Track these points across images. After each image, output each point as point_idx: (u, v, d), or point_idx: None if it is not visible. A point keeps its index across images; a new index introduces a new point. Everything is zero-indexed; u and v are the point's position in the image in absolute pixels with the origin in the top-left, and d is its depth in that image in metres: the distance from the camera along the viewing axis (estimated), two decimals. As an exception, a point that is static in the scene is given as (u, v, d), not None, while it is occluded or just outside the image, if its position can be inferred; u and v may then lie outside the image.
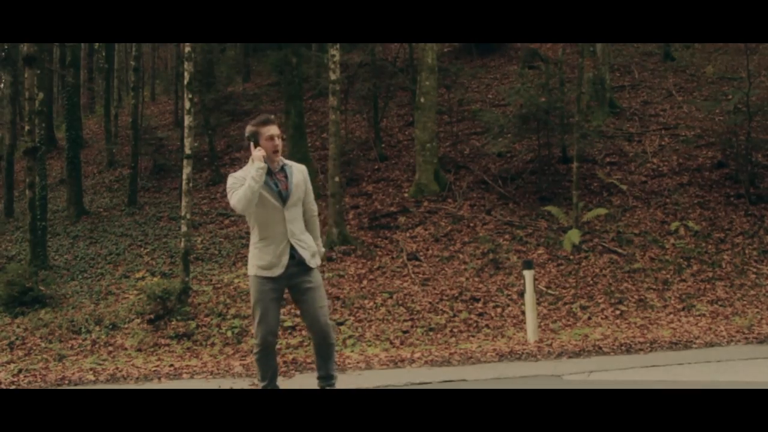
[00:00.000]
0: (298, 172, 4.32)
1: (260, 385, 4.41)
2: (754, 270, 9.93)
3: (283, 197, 4.20)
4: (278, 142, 4.20)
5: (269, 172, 4.20)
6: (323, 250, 4.45)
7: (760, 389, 3.47)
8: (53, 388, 6.60)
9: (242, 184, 4.12)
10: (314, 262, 4.28)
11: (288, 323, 8.77)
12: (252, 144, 4.19)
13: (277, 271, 4.18)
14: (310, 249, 4.28)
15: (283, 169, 4.27)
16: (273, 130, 4.18)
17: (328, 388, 4.32)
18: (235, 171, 4.40)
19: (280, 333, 8.67)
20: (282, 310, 9.15)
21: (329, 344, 4.29)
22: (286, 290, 4.35)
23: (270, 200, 4.16)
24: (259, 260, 4.23)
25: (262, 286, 4.22)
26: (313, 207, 4.42)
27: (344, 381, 5.70)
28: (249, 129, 4.22)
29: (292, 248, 4.19)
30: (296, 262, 4.21)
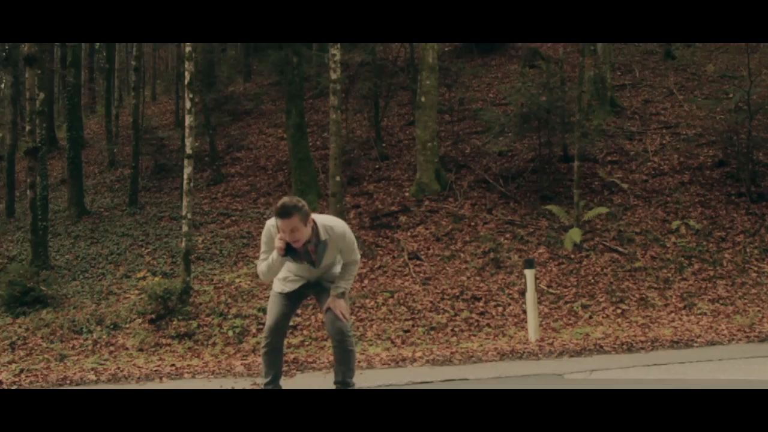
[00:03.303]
0: (334, 245, 4.17)
1: (262, 383, 4.44)
2: (755, 268, 9.93)
3: (312, 264, 4.24)
4: (292, 235, 3.95)
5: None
6: (345, 291, 4.31)
7: (761, 389, 3.48)
8: (55, 388, 6.61)
9: (268, 246, 4.12)
10: (334, 290, 4.28)
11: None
12: (277, 228, 4.05)
13: (286, 290, 4.37)
14: (333, 282, 4.34)
15: (316, 243, 4.14)
16: (285, 225, 3.92)
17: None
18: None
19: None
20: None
21: (347, 350, 4.27)
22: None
23: (299, 262, 4.23)
24: (282, 286, 4.38)
25: (277, 292, 4.42)
26: (351, 258, 4.28)
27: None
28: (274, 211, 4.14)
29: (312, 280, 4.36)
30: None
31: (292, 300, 4.39)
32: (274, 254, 4.05)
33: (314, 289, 4.39)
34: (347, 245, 4.20)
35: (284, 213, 3.90)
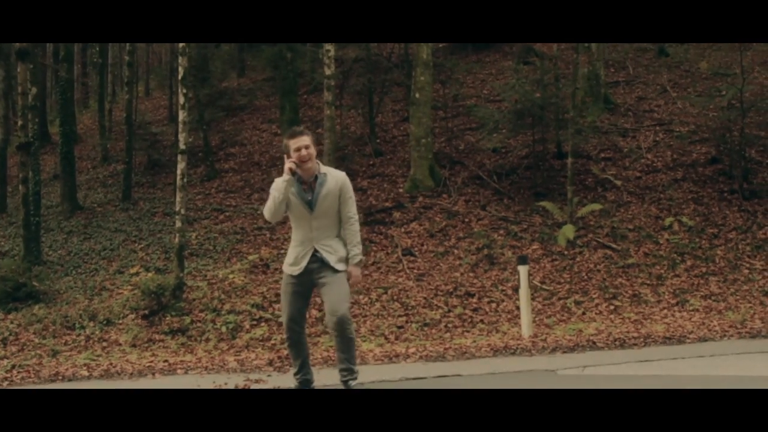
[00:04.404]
0: (333, 182, 4.46)
1: (293, 372, 4.73)
2: (747, 265, 9.97)
3: (310, 206, 4.42)
4: (305, 152, 4.36)
5: (301, 181, 4.43)
6: (362, 257, 4.61)
7: (752, 389, 3.49)
8: (47, 385, 6.58)
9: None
10: (340, 266, 4.48)
11: (282, 319, 8.76)
12: (286, 156, 4.44)
13: (297, 271, 4.49)
14: (337, 254, 4.50)
15: (316, 177, 4.45)
16: (300, 141, 4.37)
17: (350, 380, 4.53)
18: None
19: (275, 329, 8.67)
20: (277, 306, 9.14)
21: (347, 338, 4.46)
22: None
23: (299, 207, 4.43)
24: (288, 257, 4.58)
25: (288, 280, 4.57)
26: (351, 214, 4.53)
27: (338, 376, 5.70)
28: (284, 142, 4.50)
29: (317, 252, 4.46)
30: (318, 259, 4.46)
31: (303, 294, 4.58)
32: (284, 176, 4.30)
33: (320, 275, 4.47)
34: (347, 190, 4.50)
35: (297, 131, 4.43)
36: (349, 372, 4.53)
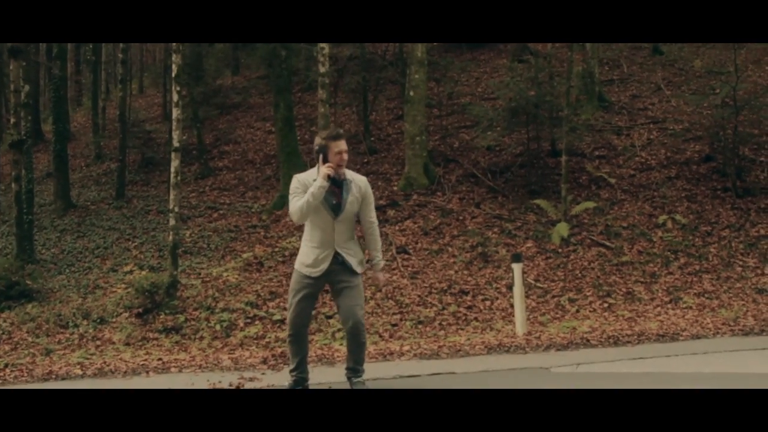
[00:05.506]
0: (357, 188, 4.53)
1: (289, 369, 4.75)
2: (740, 263, 10.02)
3: (335, 211, 4.44)
4: (345, 156, 4.41)
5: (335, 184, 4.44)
6: (383, 262, 4.76)
7: (745, 388, 3.51)
8: (40, 384, 6.56)
9: (304, 191, 4.38)
10: (359, 268, 4.57)
11: (277, 317, 8.76)
12: (321, 156, 4.39)
13: (316, 273, 4.51)
14: (357, 256, 4.58)
15: (342, 182, 4.48)
16: (342, 145, 4.39)
17: (355, 380, 4.63)
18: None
19: (269, 327, 8.67)
20: (271, 304, 9.14)
21: (360, 342, 4.58)
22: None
23: (323, 210, 4.43)
24: (305, 258, 4.55)
25: (302, 279, 4.55)
26: (372, 219, 4.65)
27: (334, 374, 5.71)
28: (319, 141, 4.44)
29: (339, 254, 4.49)
30: (339, 262, 4.50)
31: (315, 294, 4.63)
32: (321, 182, 4.28)
33: (338, 278, 4.52)
34: (369, 194, 4.61)
35: (340, 134, 4.42)
36: (354, 372, 4.64)
